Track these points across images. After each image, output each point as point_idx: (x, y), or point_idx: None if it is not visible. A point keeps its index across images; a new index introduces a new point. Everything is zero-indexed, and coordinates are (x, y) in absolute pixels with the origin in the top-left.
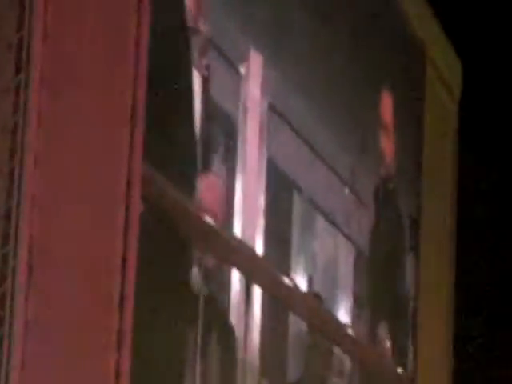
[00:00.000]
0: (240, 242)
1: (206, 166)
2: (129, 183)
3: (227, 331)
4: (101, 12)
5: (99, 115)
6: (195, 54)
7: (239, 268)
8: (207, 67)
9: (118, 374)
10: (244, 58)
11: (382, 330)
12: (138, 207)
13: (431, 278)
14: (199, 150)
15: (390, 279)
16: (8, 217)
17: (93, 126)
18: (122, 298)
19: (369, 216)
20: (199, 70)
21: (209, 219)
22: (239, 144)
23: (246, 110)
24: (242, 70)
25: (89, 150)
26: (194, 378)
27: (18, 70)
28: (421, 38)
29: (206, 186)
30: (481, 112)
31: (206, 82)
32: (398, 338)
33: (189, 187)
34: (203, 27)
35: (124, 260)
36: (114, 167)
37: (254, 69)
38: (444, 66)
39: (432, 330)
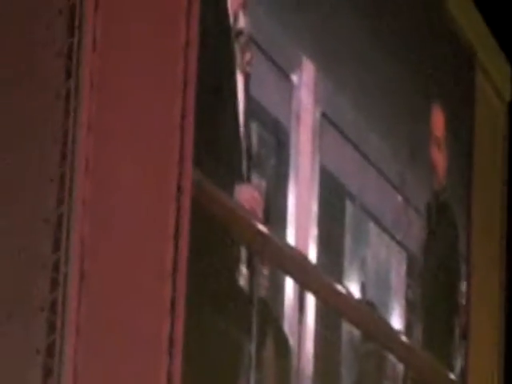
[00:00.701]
0: (293, 249)
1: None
2: (179, 187)
3: (281, 338)
4: (149, 17)
5: (149, 120)
6: (238, 53)
7: (292, 275)
8: (248, 63)
9: (169, 380)
10: (296, 67)
11: (435, 337)
12: (188, 211)
13: (483, 287)
14: (243, 151)
15: (444, 288)
16: (59, 222)
17: (143, 130)
18: (173, 303)
19: (422, 225)
20: (241, 68)
21: (262, 227)
22: (292, 152)
23: (298, 119)
24: (295, 78)
25: (139, 155)
26: None
27: (68, 76)
28: (470, 42)
29: (243, 196)
30: None
31: (247, 78)
32: (450, 345)
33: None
34: (244, 25)
35: (175, 264)
36: (164, 171)
37: (306, 77)
38: (494, 70)
39: (483, 340)
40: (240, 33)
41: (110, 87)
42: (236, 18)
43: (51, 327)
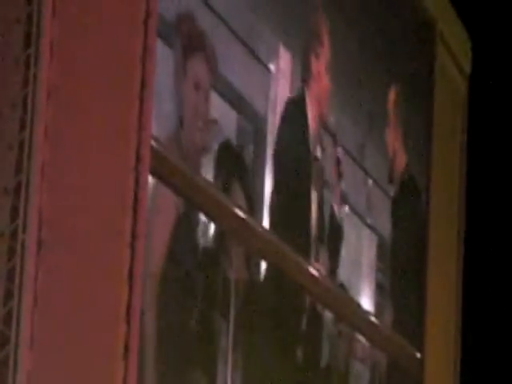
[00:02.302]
0: (268, 232)
1: None
2: (138, 157)
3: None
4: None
5: (109, 89)
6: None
7: (267, 259)
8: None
9: (126, 349)
10: (273, 55)
11: (404, 317)
12: (147, 181)
13: (441, 266)
14: None
15: (412, 266)
16: (18, 191)
17: (103, 98)
18: (131, 272)
19: (388, 201)
20: (317, 189)
21: (239, 212)
22: (269, 140)
23: (275, 107)
24: (272, 67)
25: (99, 123)
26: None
27: (27, 43)
28: (431, 13)
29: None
30: (490, 88)
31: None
32: (418, 326)
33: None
34: (320, 154)
35: (134, 234)
36: (123, 140)
37: (283, 66)
38: (454, 42)
39: (441, 312)
40: (316, 160)
41: (70, 55)
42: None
43: (8, 296)
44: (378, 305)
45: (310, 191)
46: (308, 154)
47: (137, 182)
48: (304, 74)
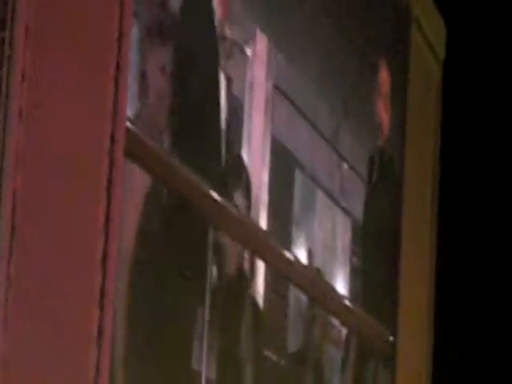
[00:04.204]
0: (244, 215)
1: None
2: (112, 139)
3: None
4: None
5: (83, 71)
6: (222, 57)
7: (243, 242)
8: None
9: (100, 332)
10: (249, 39)
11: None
12: (122, 165)
13: (413, 252)
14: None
15: (386, 249)
16: None
17: (77, 81)
18: (104, 257)
19: (363, 185)
20: (225, 72)
21: (215, 195)
22: (245, 123)
23: (251, 91)
24: (248, 51)
25: (73, 106)
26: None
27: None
28: (409, 1)
29: None
30: (464, 73)
31: (230, 81)
32: (392, 309)
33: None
34: (229, 32)
35: (107, 219)
36: (98, 123)
37: (259, 51)
38: (429, 27)
39: (414, 295)
40: (224, 38)
41: (44, 37)
42: (222, 27)
43: None
44: (353, 288)
45: (217, 75)
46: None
47: (111, 165)
48: None
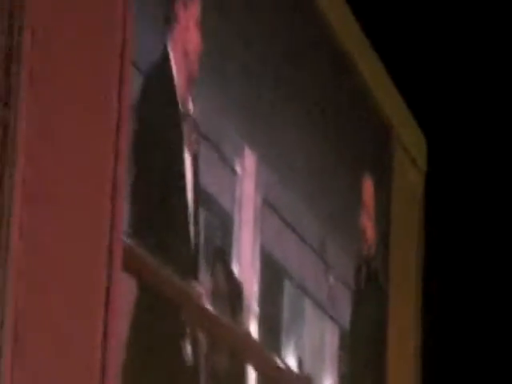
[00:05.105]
0: (235, 325)
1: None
2: (110, 252)
3: None
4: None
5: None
6: (185, 133)
7: (234, 350)
8: (196, 141)
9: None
10: (239, 157)
11: None
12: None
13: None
14: (193, 235)
15: (372, 357)
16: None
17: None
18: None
19: (349, 294)
20: (189, 147)
21: (206, 304)
22: (234, 236)
23: (240, 205)
24: (238, 167)
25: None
26: None
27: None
28: (389, 117)
29: None
30: (445, 184)
31: (195, 158)
32: None
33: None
34: (191, 109)
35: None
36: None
37: (248, 167)
38: (410, 142)
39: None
40: (187, 115)
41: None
42: (183, 103)
43: None
44: None
45: (182, 159)
46: (176, 114)
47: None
48: (168, 19)
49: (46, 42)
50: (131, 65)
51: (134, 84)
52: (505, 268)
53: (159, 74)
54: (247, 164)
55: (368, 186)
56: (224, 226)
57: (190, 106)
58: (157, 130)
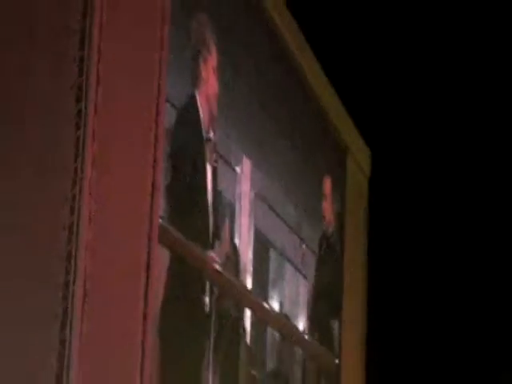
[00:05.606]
0: (236, 280)
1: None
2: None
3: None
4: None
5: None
6: (208, 153)
7: (235, 298)
8: (216, 161)
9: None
10: (239, 162)
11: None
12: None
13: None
14: (212, 220)
15: (330, 300)
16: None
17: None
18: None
19: (315, 258)
20: (210, 163)
21: (218, 267)
22: (236, 220)
23: (240, 198)
24: (238, 170)
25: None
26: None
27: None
28: (343, 136)
29: None
30: (383, 184)
31: (215, 171)
32: (335, 335)
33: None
34: (213, 136)
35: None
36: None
37: (245, 170)
38: (358, 153)
39: (353, 331)
40: (209, 140)
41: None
42: (207, 132)
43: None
44: (310, 328)
45: (205, 169)
46: (201, 140)
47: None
48: (194, 78)
49: (106, 89)
50: (166, 101)
51: (169, 117)
52: (435, 239)
53: (190, 112)
54: (244, 168)
55: (328, 183)
56: (229, 212)
57: (211, 134)
58: (187, 150)
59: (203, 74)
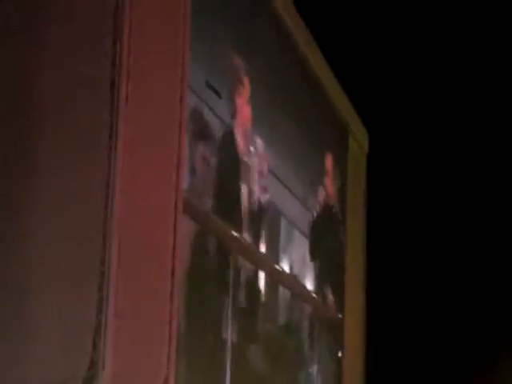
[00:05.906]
0: (251, 245)
1: None
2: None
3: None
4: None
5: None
6: (243, 175)
7: (251, 261)
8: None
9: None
10: (253, 143)
11: (329, 290)
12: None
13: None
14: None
15: (333, 259)
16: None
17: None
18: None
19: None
20: (244, 181)
21: (238, 235)
22: (253, 193)
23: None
24: (252, 149)
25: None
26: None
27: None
28: (345, 119)
29: None
30: (380, 160)
31: (263, 191)
32: (338, 293)
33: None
34: (249, 159)
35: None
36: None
37: (259, 149)
38: (358, 133)
39: (356, 288)
40: (244, 162)
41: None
42: (242, 155)
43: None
44: (316, 286)
45: (240, 185)
46: (238, 159)
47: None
48: (232, 110)
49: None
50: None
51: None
52: (429, 215)
53: (229, 139)
54: (258, 147)
55: (329, 159)
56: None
57: (245, 157)
58: (226, 168)
59: (238, 102)
